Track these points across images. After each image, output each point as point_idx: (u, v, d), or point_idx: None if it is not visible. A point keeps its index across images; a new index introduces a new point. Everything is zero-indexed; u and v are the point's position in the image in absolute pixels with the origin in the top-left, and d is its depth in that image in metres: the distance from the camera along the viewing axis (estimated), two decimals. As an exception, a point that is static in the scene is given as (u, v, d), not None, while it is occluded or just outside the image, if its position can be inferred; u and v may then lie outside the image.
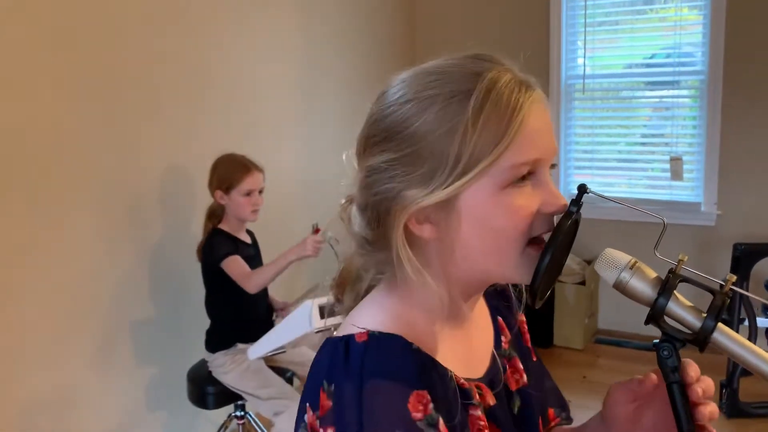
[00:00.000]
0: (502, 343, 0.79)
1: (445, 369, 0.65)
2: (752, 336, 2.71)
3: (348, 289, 0.75)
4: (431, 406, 0.60)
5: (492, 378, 0.73)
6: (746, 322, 2.75)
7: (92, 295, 2.19)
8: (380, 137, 0.66)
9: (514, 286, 0.83)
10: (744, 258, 2.84)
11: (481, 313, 0.79)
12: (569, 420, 0.88)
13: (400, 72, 0.69)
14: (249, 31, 2.82)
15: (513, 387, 0.77)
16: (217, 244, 2.21)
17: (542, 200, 0.64)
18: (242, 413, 2.35)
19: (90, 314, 2.18)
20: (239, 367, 2.21)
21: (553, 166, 0.67)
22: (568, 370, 3.38)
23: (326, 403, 0.60)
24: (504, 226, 0.63)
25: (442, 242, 0.65)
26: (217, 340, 2.28)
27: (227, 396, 2.25)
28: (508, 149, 0.61)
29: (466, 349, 0.72)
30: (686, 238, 3.57)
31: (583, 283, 3.58)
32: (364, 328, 0.64)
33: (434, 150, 0.62)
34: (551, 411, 0.86)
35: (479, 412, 0.66)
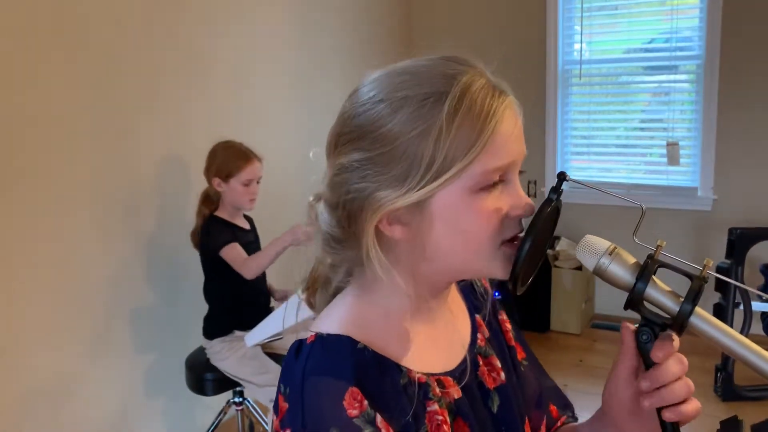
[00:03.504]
0: (478, 341, 0.78)
1: (396, 365, 0.66)
2: (747, 320, 2.72)
3: (319, 293, 0.76)
4: (366, 402, 0.60)
5: (461, 372, 0.72)
6: (741, 307, 2.77)
7: (90, 283, 2.19)
8: (352, 135, 0.65)
9: (492, 282, 0.82)
10: (739, 242, 2.85)
11: (457, 309, 0.79)
12: (575, 419, 0.87)
13: (374, 71, 0.68)
14: (246, 19, 2.80)
15: (490, 385, 0.76)
16: (216, 232, 2.20)
17: (511, 203, 0.65)
18: (240, 400, 2.37)
19: (88, 302, 2.19)
20: (236, 353, 2.22)
21: (521, 172, 0.67)
22: (564, 354, 3.40)
23: (284, 405, 0.62)
24: (474, 229, 0.64)
25: (413, 243, 0.66)
26: (215, 327, 2.28)
27: (225, 383, 2.26)
28: (481, 154, 0.61)
29: (433, 344, 0.72)
30: (683, 223, 3.59)
31: (579, 268, 3.59)
32: (313, 332, 0.66)
33: (407, 151, 0.62)
34: (553, 408, 0.86)
35: (437, 407, 0.66)
